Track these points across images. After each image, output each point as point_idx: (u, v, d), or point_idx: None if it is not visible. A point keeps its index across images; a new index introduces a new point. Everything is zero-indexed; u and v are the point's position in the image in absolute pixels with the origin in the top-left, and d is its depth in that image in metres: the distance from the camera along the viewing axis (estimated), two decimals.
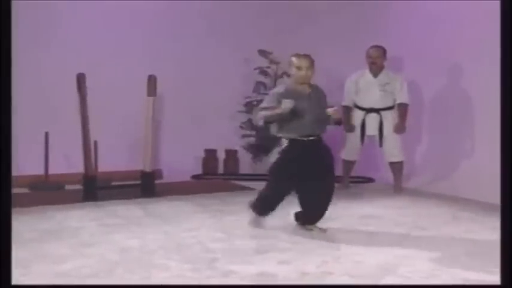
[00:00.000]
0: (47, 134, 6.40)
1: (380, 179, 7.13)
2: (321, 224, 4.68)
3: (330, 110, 4.40)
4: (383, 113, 6.45)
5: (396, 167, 6.58)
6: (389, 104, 6.46)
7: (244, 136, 7.86)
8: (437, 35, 6.87)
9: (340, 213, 5.45)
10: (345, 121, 6.56)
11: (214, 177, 7.51)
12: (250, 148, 7.81)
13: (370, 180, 7.22)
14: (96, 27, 6.99)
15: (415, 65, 6.99)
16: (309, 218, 4.66)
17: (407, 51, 7.05)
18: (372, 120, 6.48)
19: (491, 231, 4.72)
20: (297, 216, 4.74)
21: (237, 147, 7.84)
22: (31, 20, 6.49)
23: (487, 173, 6.08)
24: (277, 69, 7.69)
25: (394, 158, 6.54)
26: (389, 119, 6.45)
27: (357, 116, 6.55)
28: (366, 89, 6.49)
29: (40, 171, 6.43)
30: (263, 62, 7.66)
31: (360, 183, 7.08)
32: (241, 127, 7.85)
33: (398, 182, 6.61)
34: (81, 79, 5.95)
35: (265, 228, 4.74)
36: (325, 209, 4.59)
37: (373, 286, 3.47)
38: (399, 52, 6.97)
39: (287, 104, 4.27)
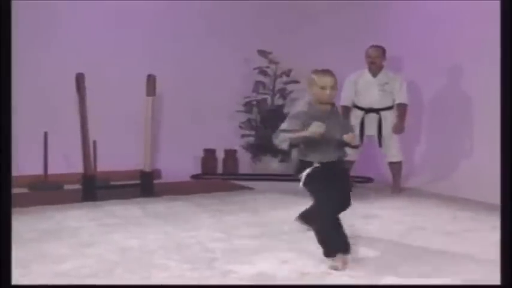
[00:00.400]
0: (46, 134, 6.39)
1: (379, 179, 7.13)
2: None
3: (346, 137, 3.93)
4: (382, 113, 6.44)
5: (395, 167, 6.58)
6: (388, 104, 6.46)
7: (243, 136, 7.86)
8: (437, 35, 6.86)
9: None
10: None
11: (213, 177, 7.51)
12: (250, 148, 7.81)
13: (369, 180, 7.22)
14: (95, 27, 6.99)
15: (414, 65, 6.99)
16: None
17: (407, 51, 7.05)
18: (371, 120, 6.47)
19: (490, 231, 4.72)
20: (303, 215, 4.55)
21: (236, 147, 7.85)
22: (30, 20, 6.49)
23: (486, 172, 6.08)
24: (277, 69, 7.69)
25: (393, 158, 6.54)
26: (389, 119, 6.44)
27: (356, 116, 6.54)
28: (365, 89, 6.48)
29: (39, 171, 6.43)
30: (262, 62, 7.66)
31: (359, 183, 7.07)
32: (240, 127, 7.85)
33: (397, 182, 6.61)
34: (80, 79, 5.95)
35: (267, 228, 4.74)
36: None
37: (373, 286, 3.46)
38: (399, 52, 6.97)
39: (319, 128, 3.76)
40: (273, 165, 7.59)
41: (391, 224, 5.06)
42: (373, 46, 6.47)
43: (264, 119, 7.81)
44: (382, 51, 6.46)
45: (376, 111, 6.46)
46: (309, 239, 4.47)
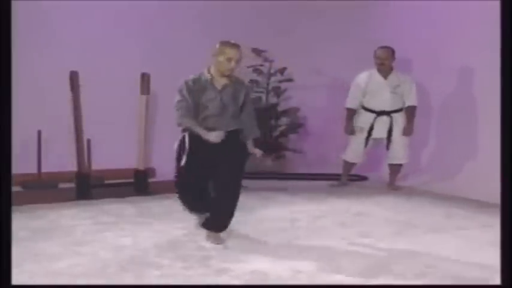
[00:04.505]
0: (39, 132, 6.37)
1: (373, 177, 7.13)
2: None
3: (253, 150, 4.42)
4: (393, 115, 6.34)
5: (396, 168, 6.53)
6: (399, 106, 6.34)
7: None
8: (438, 35, 6.81)
9: (334, 210, 5.47)
10: (347, 123, 6.45)
11: None
12: None
13: (363, 178, 7.21)
14: (89, 26, 6.96)
15: (408, 64, 6.99)
16: (210, 222, 4.32)
17: (401, 50, 7.03)
18: (382, 122, 6.35)
19: (483, 229, 4.75)
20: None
21: None
22: (24, 18, 6.45)
23: (481, 172, 6.12)
24: (271, 67, 7.68)
25: (398, 161, 6.44)
26: (399, 121, 6.34)
27: (366, 118, 6.41)
28: (376, 91, 6.34)
29: (33, 169, 6.41)
30: (257, 60, 7.65)
31: (354, 181, 7.08)
32: None
33: (393, 180, 6.59)
34: (74, 77, 5.93)
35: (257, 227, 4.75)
36: (225, 212, 4.28)
37: (368, 286, 3.47)
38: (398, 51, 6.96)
39: (217, 138, 4.11)
40: (266, 163, 7.59)
41: (385, 221, 5.07)
42: (382, 47, 6.33)
43: (258, 117, 7.78)
44: (391, 52, 6.32)
45: (388, 113, 6.34)
46: (302, 238, 4.49)
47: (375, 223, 5.01)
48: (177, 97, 4.23)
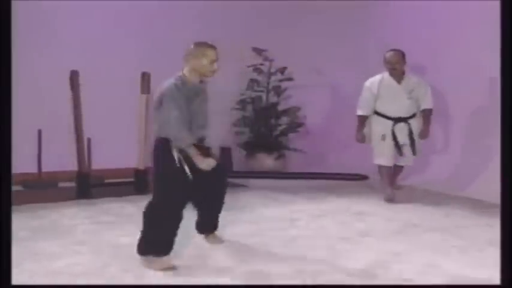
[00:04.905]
0: (40, 132, 6.38)
1: (374, 176, 7.12)
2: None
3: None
4: (410, 121, 6.05)
5: (400, 169, 6.43)
6: (414, 111, 6.09)
7: (237, 133, 7.87)
8: (442, 36, 6.81)
9: (334, 210, 5.47)
10: (358, 131, 6.12)
11: None
12: (244, 145, 7.81)
13: (364, 177, 7.22)
14: (90, 25, 6.97)
15: (407, 64, 6.99)
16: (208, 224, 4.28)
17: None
18: (400, 129, 6.02)
19: (483, 228, 4.74)
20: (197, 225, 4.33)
21: (230, 145, 7.84)
22: (24, 18, 6.46)
23: (481, 171, 6.11)
24: (271, 67, 7.69)
25: (407, 163, 6.28)
26: (416, 126, 6.08)
27: (386, 125, 6.03)
28: (391, 96, 6.01)
29: (33, 169, 6.42)
30: (257, 60, 7.66)
31: (353, 180, 7.09)
32: (234, 124, 7.85)
33: (394, 180, 6.57)
34: (74, 76, 5.94)
35: (258, 226, 4.75)
36: (219, 212, 4.25)
37: (368, 286, 3.47)
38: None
39: (209, 167, 3.90)
40: (268, 162, 7.60)
41: (384, 221, 5.07)
42: (390, 50, 5.99)
43: (258, 117, 7.81)
44: (402, 55, 5.98)
45: (404, 120, 6.03)
46: (302, 238, 4.49)
47: (375, 222, 5.01)
48: (169, 105, 3.74)
